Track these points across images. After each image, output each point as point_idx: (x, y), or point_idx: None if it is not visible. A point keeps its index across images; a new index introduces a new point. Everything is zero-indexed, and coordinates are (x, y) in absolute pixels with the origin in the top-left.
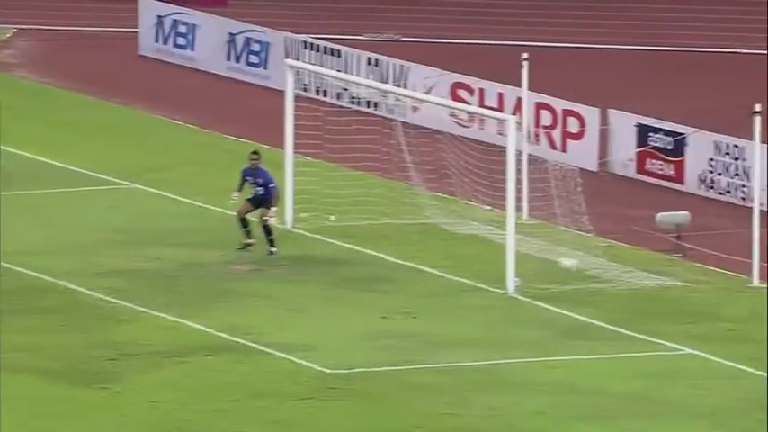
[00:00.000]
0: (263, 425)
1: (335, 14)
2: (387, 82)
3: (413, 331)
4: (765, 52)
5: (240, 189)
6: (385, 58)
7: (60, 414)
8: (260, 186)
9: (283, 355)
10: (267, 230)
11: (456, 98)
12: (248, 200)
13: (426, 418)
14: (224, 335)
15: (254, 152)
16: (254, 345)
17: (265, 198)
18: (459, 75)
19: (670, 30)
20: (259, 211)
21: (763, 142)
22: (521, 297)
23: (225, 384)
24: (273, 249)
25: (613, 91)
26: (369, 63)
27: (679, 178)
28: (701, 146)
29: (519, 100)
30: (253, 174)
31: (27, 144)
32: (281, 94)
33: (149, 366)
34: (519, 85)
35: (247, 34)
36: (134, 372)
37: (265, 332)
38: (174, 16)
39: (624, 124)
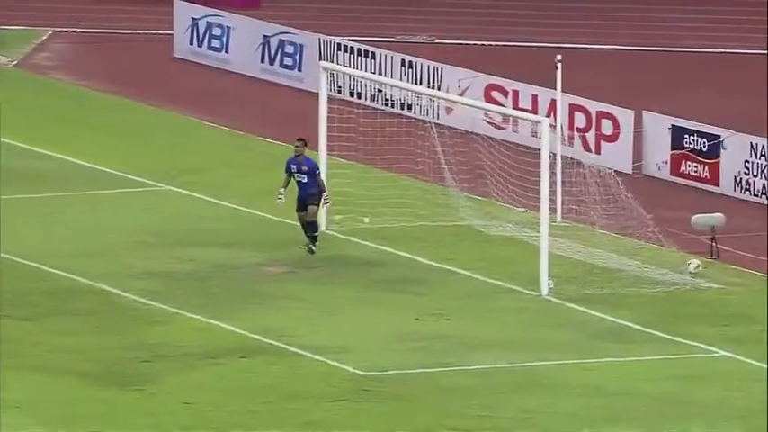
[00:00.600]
0: (297, 427)
1: (369, 16)
2: (421, 84)
3: (446, 333)
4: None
5: (286, 185)
6: (419, 59)
7: (94, 415)
8: (303, 174)
9: (317, 357)
10: (313, 227)
11: (490, 100)
12: (297, 211)
13: (459, 420)
14: (258, 337)
15: (299, 139)
16: (287, 347)
17: (309, 188)
18: (493, 76)
19: (705, 31)
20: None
21: None
22: (554, 299)
23: (259, 386)
24: (314, 248)
25: (648, 92)
26: (403, 65)
27: (714, 180)
28: (736, 148)
29: (553, 102)
30: (297, 162)
31: (62, 146)
32: (314, 95)
33: (183, 368)
34: (553, 86)
35: (281, 36)
36: (168, 373)
37: (299, 334)
38: (209, 18)
39: (659, 126)
